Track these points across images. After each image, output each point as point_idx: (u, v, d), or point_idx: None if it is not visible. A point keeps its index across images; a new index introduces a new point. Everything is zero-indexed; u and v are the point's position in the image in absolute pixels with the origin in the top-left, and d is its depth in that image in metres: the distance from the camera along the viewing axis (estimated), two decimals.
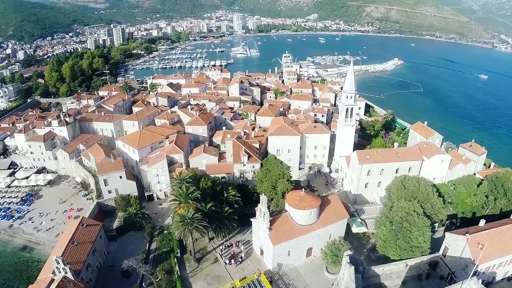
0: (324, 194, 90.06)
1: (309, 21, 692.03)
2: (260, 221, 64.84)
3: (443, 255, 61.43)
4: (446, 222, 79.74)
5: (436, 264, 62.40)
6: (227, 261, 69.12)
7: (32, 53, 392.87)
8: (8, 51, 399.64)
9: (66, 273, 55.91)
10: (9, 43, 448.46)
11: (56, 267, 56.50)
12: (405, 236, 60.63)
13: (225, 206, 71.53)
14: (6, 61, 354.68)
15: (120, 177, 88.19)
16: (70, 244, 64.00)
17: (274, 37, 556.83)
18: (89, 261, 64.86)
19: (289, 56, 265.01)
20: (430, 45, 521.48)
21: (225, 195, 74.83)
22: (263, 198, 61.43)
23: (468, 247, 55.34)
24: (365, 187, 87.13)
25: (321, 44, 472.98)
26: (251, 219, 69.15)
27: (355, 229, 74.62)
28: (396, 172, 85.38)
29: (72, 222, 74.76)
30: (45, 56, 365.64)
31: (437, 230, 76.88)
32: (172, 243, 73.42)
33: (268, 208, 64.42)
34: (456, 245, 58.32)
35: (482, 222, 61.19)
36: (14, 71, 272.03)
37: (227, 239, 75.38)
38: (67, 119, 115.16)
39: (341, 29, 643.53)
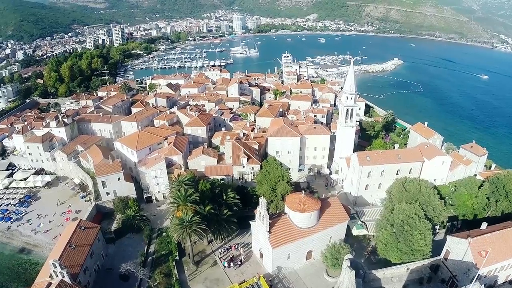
0: (324, 196, 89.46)
1: (309, 21, 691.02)
2: (259, 224, 64.17)
3: (445, 259, 60.78)
4: (447, 224, 79.14)
5: (437, 267, 61.75)
6: (226, 264, 68.45)
7: (32, 53, 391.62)
8: (8, 51, 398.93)
9: (63, 277, 55.47)
10: (8, 43, 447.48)
11: (53, 271, 56.01)
12: (406, 239, 59.91)
13: (224, 209, 70.80)
14: (5, 61, 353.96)
15: (119, 178, 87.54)
16: (67, 247, 63.43)
17: (274, 37, 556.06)
18: (87, 264, 64.25)
19: (288, 56, 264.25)
20: (430, 45, 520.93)
21: (224, 197, 74.01)
22: (262, 201, 60.72)
23: (470, 251, 54.66)
24: (366, 188, 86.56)
25: (320, 44, 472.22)
26: (251, 222, 68.44)
27: (355, 232, 74.00)
28: (397, 174, 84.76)
29: (70, 224, 74.16)
30: (45, 56, 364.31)
31: (438, 232, 76.30)
32: (171, 245, 72.74)
33: (268, 210, 63.75)
34: (457, 248, 57.64)
35: (484, 225, 60.60)
36: (13, 71, 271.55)
37: (226, 241, 74.69)
38: (66, 120, 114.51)
39: (341, 29, 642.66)
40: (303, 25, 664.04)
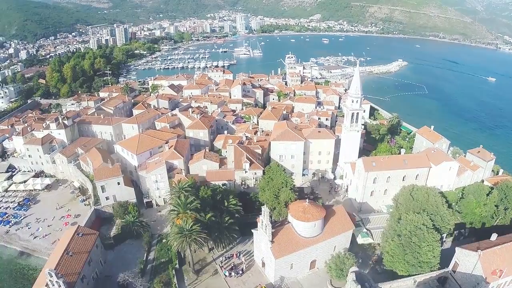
0: (328, 202, 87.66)
1: (313, 22, 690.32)
2: (261, 232, 62.37)
3: (453, 271, 58.67)
4: (454, 232, 76.92)
5: (445, 280, 59.66)
6: (227, 273, 66.64)
7: (35, 53, 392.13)
8: (11, 50, 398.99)
9: (60, 286, 54.01)
10: (12, 42, 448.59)
11: (50, 280, 54.46)
12: (413, 251, 57.76)
13: (226, 216, 68.92)
14: (8, 61, 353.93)
15: (118, 183, 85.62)
16: (64, 255, 61.79)
17: (277, 38, 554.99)
18: (85, 272, 62.52)
19: (292, 57, 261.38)
20: (434, 46, 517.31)
21: (226, 204, 72.17)
22: (265, 210, 58.85)
23: (480, 264, 52.53)
24: (371, 195, 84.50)
25: (324, 45, 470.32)
26: (253, 230, 66.60)
27: (360, 240, 71.85)
28: (403, 180, 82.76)
29: (68, 230, 72.55)
30: (48, 56, 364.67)
31: (445, 241, 74.16)
32: (171, 253, 71.02)
33: (271, 218, 61.84)
34: (467, 261, 55.51)
35: (494, 236, 58.29)
36: (16, 71, 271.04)
37: (227, 250, 72.85)
38: (66, 121, 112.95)
39: (345, 30, 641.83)
40: (306, 26, 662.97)
